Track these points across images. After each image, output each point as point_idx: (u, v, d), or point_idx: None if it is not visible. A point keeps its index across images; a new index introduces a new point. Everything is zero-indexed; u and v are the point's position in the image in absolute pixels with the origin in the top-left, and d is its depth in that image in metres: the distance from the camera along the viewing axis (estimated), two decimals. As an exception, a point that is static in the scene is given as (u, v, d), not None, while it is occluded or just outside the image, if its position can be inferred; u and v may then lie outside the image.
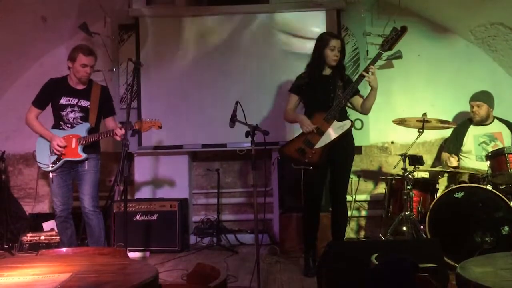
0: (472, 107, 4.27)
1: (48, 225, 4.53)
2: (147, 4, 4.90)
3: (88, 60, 3.58)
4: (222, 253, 4.33)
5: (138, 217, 4.41)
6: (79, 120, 3.64)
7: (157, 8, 4.89)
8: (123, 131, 3.50)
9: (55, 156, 3.57)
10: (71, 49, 3.68)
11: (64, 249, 2.25)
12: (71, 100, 3.64)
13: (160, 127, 3.67)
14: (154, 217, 4.41)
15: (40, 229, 4.52)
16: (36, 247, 4.27)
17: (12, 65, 4.96)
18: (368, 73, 3.37)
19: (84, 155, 3.59)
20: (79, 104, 3.64)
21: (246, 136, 3.16)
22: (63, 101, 3.63)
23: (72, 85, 3.66)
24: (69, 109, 3.62)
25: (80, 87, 3.67)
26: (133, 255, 4.11)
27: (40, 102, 3.68)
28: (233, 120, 3.25)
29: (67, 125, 3.63)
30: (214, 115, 4.69)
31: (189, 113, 4.76)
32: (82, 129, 3.62)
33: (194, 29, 4.83)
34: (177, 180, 4.84)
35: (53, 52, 5.13)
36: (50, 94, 3.66)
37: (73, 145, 3.59)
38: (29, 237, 4.39)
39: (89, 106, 3.65)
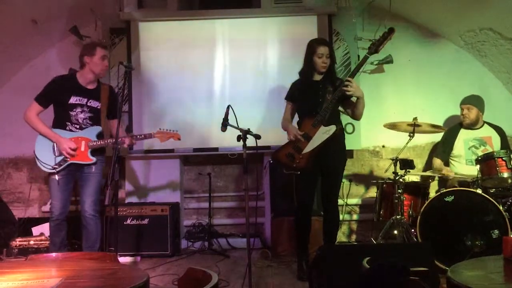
0: (462, 110, 4.30)
1: (37, 229, 4.48)
2: (139, 7, 4.88)
3: (107, 53, 3.54)
4: (213, 258, 4.31)
5: (129, 221, 4.38)
6: (88, 121, 3.54)
7: (149, 12, 4.88)
8: (128, 141, 3.51)
9: (61, 157, 3.44)
10: (83, 46, 3.60)
11: (53, 254, 2.23)
12: (81, 100, 3.52)
13: (179, 139, 3.65)
14: (145, 221, 4.39)
15: (30, 234, 4.47)
16: (25, 252, 4.22)
17: (2, 67, 4.92)
18: (347, 86, 3.37)
19: (94, 159, 3.51)
20: (88, 104, 3.53)
21: (238, 140, 3.16)
22: (72, 100, 3.49)
23: (82, 83, 3.55)
24: (79, 109, 3.51)
25: (90, 86, 3.57)
26: (124, 259, 4.08)
27: (44, 100, 3.51)
28: (225, 124, 3.25)
29: (75, 125, 3.51)
30: (206, 118, 4.69)
31: (181, 117, 4.75)
32: (92, 132, 3.53)
33: (185, 33, 4.82)
34: (169, 184, 4.82)
35: (44, 55, 5.10)
36: (56, 93, 3.51)
37: (83, 148, 3.48)
38: (18, 242, 4.33)
39: (99, 107, 3.56)
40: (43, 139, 3.49)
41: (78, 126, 3.52)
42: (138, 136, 3.67)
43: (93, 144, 3.50)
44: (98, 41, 3.61)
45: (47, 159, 3.45)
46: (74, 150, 3.43)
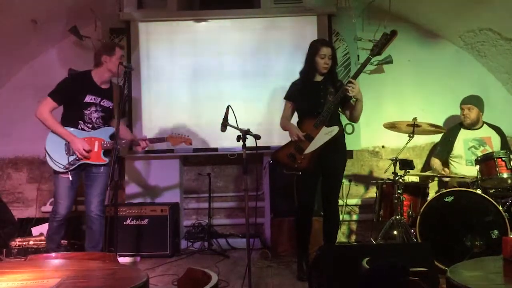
0: (463, 110, 4.31)
1: (37, 230, 4.48)
2: (139, 7, 4.88)
3: (124, 53, 3.62)
4: (213, 258, 4.31)
5: (128, 221, 4.38)
6: (100, 121, 3.53)
7: (149, 12, 4.87)
8: (144, 144, 3.55)
9: (73, 157, 3.41)
10: (102, 45, 3.64)
11: (53, 254, 2.23)
12: (95, 99, 3.50)
13: (191, 144, 3.69)
14: (145, 221, 4.38)
15: (29, 234, 4.47)
16: (24, 252, 4.22)
17: (2, 67, 4.92)
18: (349, 87, 3.36)
19: (106, 160, 3.50)
20: (101, 103, 3.53)
21: (238, 140, 3.16)
22: (88, 99, 3.47)
23: (97, 82, 3.53)
24: (93, 108, 3.50)
25: (104, 86, 3.56)
26: (123, 260, 4.08)
27: (60, 97, 3.44)
28: (225, 124, 3.25)
29: (88, 124, 3.50)
30: (206, 119, 4.69)
31: (180, 117, 4.74)
32: (105, 133, 3.52)
33: (185, 33, 4.82)
34: (168, 185, 4.82)
35: (43, 55, 5.10)
36: (74, 90, 3.47)
37: (96, 149, 3.47)
38: (17, 242, 4.33)
39: (111, 107, 3.55)
40: (54, 137, 3.44)
41: (91, 126, 3.51)
42: (153, 140, 3.68)
43: (106, 145, 3.50)
44: (116, 43, 3.81)
45: (59, 158, 3.41)
46: (88, 152, 3.42)
